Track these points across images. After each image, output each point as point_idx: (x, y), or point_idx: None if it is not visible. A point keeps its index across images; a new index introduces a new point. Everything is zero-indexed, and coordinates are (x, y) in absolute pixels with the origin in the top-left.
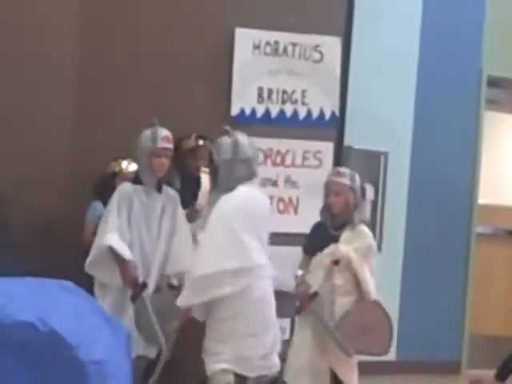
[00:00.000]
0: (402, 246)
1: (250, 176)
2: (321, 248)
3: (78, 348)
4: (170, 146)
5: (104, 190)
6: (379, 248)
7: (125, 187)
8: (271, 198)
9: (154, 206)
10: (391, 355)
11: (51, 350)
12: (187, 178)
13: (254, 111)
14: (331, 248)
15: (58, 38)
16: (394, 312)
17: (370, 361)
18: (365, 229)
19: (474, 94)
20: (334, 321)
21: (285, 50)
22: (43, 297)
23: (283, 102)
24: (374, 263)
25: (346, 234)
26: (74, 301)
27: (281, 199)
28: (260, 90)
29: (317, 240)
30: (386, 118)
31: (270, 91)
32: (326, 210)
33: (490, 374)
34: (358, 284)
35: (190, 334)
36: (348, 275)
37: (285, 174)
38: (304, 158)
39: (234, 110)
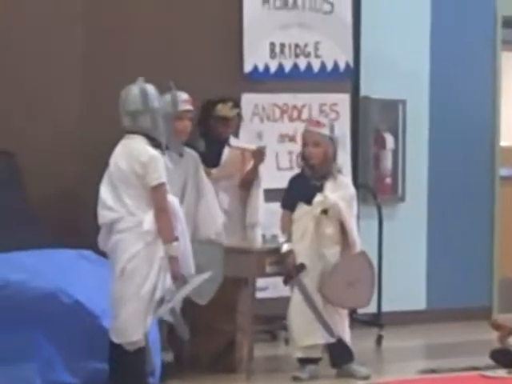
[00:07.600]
0: (425, 194)
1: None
2: (305, 199)
3: (102, 317)
4: (191, 107)
5: None
6: (403, 198)
7: None
8: (290, 153)
9: (177, 171)
10: (421, 304)
11: (76, 320)
12: (213, 139)
13: (267, 67)
14: (319, 197)
15: None
16: (421, 262)
17: (401, 311)
18: (345, 178)
19: (490, 35)
20: (325, 275)
21: (295, 2)
22: (65, 268)
23: (296, 55)
24: (355, 213)
25: (329, 184)
26: (95, 270)
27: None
28: (272, 45)
29: (299, 192)
30: (401, 66)
31: (283, 46)
32: (303, 160)
33: None
34: (344, 234)
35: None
36: (336, 225)
37: (302, 128)
38: (321, 112)
39: (247, 67)
